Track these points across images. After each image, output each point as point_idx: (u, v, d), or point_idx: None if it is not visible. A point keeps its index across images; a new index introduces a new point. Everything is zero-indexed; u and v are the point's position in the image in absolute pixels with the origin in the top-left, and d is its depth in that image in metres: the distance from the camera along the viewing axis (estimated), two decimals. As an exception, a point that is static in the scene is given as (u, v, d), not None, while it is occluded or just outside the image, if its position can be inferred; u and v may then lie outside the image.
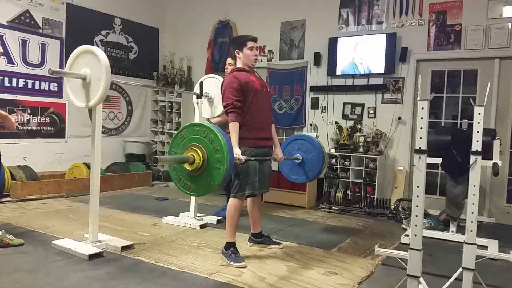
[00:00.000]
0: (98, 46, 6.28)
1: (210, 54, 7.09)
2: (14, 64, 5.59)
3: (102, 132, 3.41)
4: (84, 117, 6.19)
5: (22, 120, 5.71)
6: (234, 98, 3.07)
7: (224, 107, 3.12)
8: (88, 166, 5.67)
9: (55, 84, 6.07)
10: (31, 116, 5.82)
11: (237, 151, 2.93)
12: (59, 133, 6.16)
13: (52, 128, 6.09)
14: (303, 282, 2.78)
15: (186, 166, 2.67)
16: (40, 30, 5.88)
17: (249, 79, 3.17)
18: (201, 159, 2.63)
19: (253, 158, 3.09)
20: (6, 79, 5.53)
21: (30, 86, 5.80)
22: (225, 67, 4.55)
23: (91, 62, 3.07)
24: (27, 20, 5.71)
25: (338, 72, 5.89)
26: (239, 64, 3.30)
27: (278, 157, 3.49)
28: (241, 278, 2.82)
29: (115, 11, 6.89)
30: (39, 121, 5.92)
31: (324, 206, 5.30)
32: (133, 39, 7.22)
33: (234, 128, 3.03)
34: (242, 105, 3.09)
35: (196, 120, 4.43)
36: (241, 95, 3.10)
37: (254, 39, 3.29)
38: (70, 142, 6.27)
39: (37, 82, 5.87)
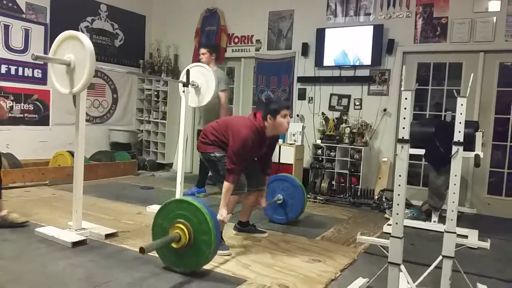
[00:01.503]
0: (83, 33, 6.18)
1: (197, 42, 7.01)
2: (-3, 50, 5.48)
3: (87, 120, 3.38)
4: (68, 105, 6.10)
5: (5, 107, 5.60)
6: (242, 164, 3.03)
7: (232, 163, 3.00)
8: (72, 154, 5.59)
9: (39, 71, 5.96)
10: (14, 103, 5.72)
11: (223, 213, 2.98)
12: (43, 120, 6.07)
13: (36, 116, 5.99)
14: (286, 270, 2.82)
15: (172, 244, 2.63)
16: (24, 15, 5.76)
17: (255, 145, 3.09)
18: (187, 237, 2.59)
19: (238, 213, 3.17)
20: (-12, 65, 5.42)
21: (13, 72, 5.68)
22: (200, 57, 4.81)
23: (76, 48, 3.02)
24: (10, 4, 5.58)
25: (327, 63, 5.90)
26: (268, 126, 3.13)
27: (261, 206, 3.54)
28: (225, 265, 2.84)
29: (101, -3, 6.77)
30: (22, 108, 5.82)
31: (309, 196, 5.33)
32: (119, 26, 7.12)
33: (228, 189, 3.01)
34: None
35: (183, 109, 4.40)
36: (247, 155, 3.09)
37: (288, 107, 3.23)
38: (54, 130, 6.18)
39: (20, 68, 5.76)
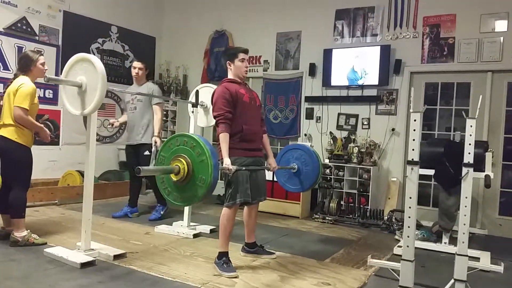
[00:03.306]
0: (94, 54, 6.30)
1: (206, 63, 7.12)
2: (10, 70, 5.58)
3: (97, 140, 3.42)
4: (78, 125, 6.18)
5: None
6: (226, 109, 3.09)
7: (215, 117, 3.13)
8: (81, 173, 5.65)
9: (50, 91, 6.06)
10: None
11: (227, 161, 2.96)
12: (53, 140, 6.13)
13: (46, 135, 6.06)
14: (296, 293, 2.78)
15: (172, 177, 2.68)
16: (37, 37, 5.89)
17: (238, 91, 3.20)
18: (186, 169, 2.63)
19: (244, 168, 3.10)
20: (1, 86, 5.52)
21: (25, 92, 5.77)
22: (136, 72, 4.81)
23: (88, 70, 3.09)
24: (24, 27, 5.72)
25: (334, 83, 5.93)
26: (230, 75, 3.33)
27: (271, 167, 3.51)
28: (233, 288, 2.81)
29: (111, 19, 6.92)
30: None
31: (318, 216, 5.30)
32: (130, 48, 7.24)
33: (224, 138, 3.05)
34: (233, 116, 3.12)
35: (191, 129, 4.45)
36: (232, 107, 3.13)
37: (245, 51, 3.34)
38: (64, 149, 6.24)
39: (32, 89, 5.85)
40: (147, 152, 4.73)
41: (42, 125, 3.66)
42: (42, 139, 3.73)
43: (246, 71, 3.35)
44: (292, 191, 4.11)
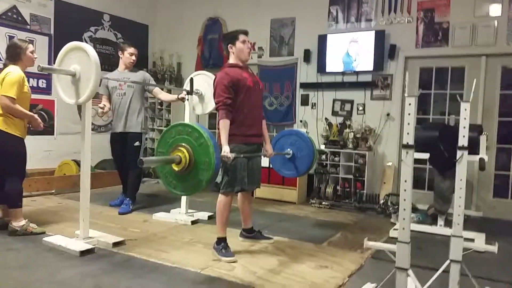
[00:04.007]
0: (87, 43, 6.23)
1: (200, 51, 7.08)
2: (2, 60, 5.53)
3: (92, 129, 3.40)
4: (73, 114, 6.15)
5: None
6: (225, 96, 3.06)
7: (215, 103, 3.13)
8: (77, 163, 5.66)
9: (44, 81, 6.01)
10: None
11: (226, 149, 2.95)
12: (48, 130, 6.11)
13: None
14: (294, 276, 2.82)
15: (174, 167, 2.68)
16: (28, 26, 5.82)
17: (241, 76, 3.16)
18: (187, 158, 2.63)
19: (242, 156, 3.09)
20: (-6, 76, 5.47)
21: (18, 82, 5.72)
22: (134, 59, 4.79)
23: (81, 59, 3.07)
24: (14, 16, 5.65)
25: (329, 69, 5.92)
26: (232, 60, 3.27)
27: (268, 153, 3.52)
28: (232, 272, 2.85)
29: (103, 8, 6.84)
30: (27, 118, 5.85)
31: (314, 201, 5.34)
32: (122, 36, 7.17)
33: (224, 125, 3.03)
34: (233, 102, 3.10)
35: (187, 117, 4.44)
36: (232, 92, 3.09)
37: (246, 32, 3.27)
38: (59, 139, 6.22)
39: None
40: (137, 143, 4.69)
41: (32, 114, 3.61)
42: (34, 127, 3.70)
43: (249, 52, 3.29)
44: (287, 176, 4.13)
